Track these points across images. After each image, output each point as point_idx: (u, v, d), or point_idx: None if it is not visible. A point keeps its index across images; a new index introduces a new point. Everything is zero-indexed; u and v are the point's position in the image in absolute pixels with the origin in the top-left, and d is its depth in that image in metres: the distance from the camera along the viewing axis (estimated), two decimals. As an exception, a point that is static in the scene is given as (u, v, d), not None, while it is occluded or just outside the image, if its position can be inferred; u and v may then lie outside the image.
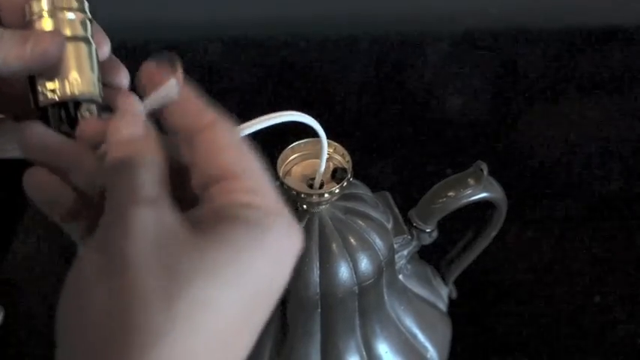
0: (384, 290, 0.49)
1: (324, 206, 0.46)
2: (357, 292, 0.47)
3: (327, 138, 0.43)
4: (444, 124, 0.84)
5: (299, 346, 0.48)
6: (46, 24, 0.33)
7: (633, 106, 0.85)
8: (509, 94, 0.87)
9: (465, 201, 0.50)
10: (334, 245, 0.46)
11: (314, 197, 0.45)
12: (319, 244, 0.46)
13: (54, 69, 0.33)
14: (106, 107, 0.34)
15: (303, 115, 0.37)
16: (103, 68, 0.35)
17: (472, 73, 0.89)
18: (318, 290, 0.46)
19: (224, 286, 0.25)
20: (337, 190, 0.45)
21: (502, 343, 0.65)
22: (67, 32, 0.33)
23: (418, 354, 0.52)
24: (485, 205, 0.52)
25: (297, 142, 0.47)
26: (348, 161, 0.46)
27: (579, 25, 0.95)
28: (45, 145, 0.31)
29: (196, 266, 0.25)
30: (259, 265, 0.27)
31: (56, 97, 0.33)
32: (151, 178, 0.27)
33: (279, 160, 0.46)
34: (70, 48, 0.33)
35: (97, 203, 0.29)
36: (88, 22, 0.34)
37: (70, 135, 0.33)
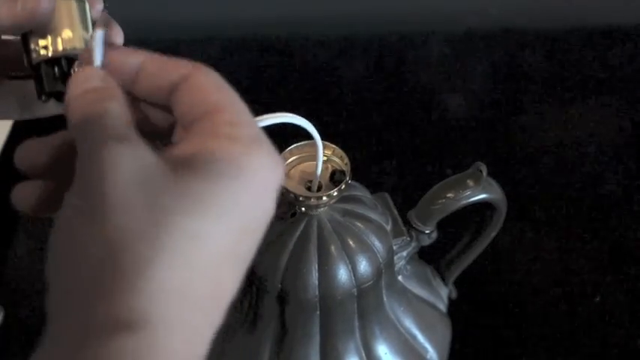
0: (383, 292, 0.49)
1: (322, 209, 0.46)
2: (356, 294, 0.47)
3: (326, 139, 0.43)
4: (443, 124, 0.84)
5: (298, 347, 0.48)
6: None
7: (633, 106, 0.85)
8: (509, 94, 0.87)
9: (464, 202, 0.50)
10: (333, 247, 0.46)
11: (312, 200, 0.45)
12: (318, 247, 0.46)
13: (46, 26, 0.33)
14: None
15: (296, 117, 0.37)
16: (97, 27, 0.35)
17: (472, 73, 0.89)
18: (317, 292, 0.46)
19: (207, 218, 0.25)
20: (335, 193, 0.45)
21: (502, 343, 0.65)
22: None
23: (418, 355, 0.52)
24: (484, 206, 0.52)
25: (295, 145, 0.47)
26: (346, 163, 0.46)
27: (579, 25, 0.95)
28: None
29: (179, 200, 0.25)
30: (242, 195, 0.26)
31: (48, 54, 0.33)
32: (117, 120, 0.27)
33: (278, 162, 0.46)
34: (62, 5, 0.34)
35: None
36: None
37: (61, 93, 0.32)
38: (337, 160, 0.46)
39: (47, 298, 0.25)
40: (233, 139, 0.27)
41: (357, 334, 0.49)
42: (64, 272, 0.25)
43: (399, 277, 0.52)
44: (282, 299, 0.47)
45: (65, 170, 0.28)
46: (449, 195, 0.50)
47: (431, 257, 0.57)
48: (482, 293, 0.67)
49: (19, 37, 0.34)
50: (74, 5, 0.34)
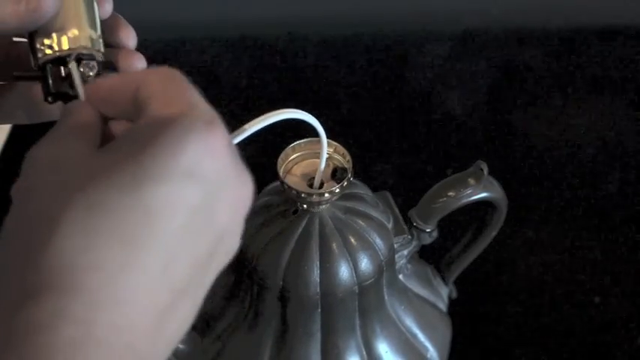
0: (384, 290, 0.49)
1: (324, 206, 0.46)
2: (357, 291, 0.47)
3: (327, 138, 0.43)
4: (444, 123, 0.84)
5: (299, 345, 0.48)
6: None
7: (633, 106, 0.85)
8: (510, 94, 0.87)
9: (465, 201, 0.50)
10: (334, 245, 0.46)
11: (314, 197, 0.45)
12: (319, 244, 0.46)
13: (51, 25, 0.33)
14: (111, 67, 0.34)
15: (303, 112, 0.37)
16: (108, 27, 0.35)
17: (472, 72, 0.89)
18: (318, 290, 0.46)
19: (114, 189, 0.25)
20: (337, 190, 0.45)
21: (502, 343, 0.65)
22: None
23: (418, 354, 0.52)
24: (485, 205, 0.52)
25: (297, 142, 0.47)
26: (348, 161, 0.46)
27: (579, 25, 0.95)
28: None
29: (90, 175, 0.26)
30: (157, 167, 0.26)
31: (53, 53, 0.33)
32: (58, 127, 0.29)
33: (280, 160, 0.46)
34: (69, 3, 0.33)
35: None
36: None
37: (68, 95, 0.32)
38: (339, 157, 0.46)
39: None
40: (145, 120, 0.28)
41: (358, 332, 0.49)
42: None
43: (400, 276, 0.52)
44: (283, 297, 0.47)
45: None
46: (450, 194, 0.50)
47: (431, 257, 0.57)
48: (482, 293, 0.67)
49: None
50: (82, 3, 0.33)
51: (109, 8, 0.35)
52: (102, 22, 0.35)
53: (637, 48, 0.92)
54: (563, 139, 0.82)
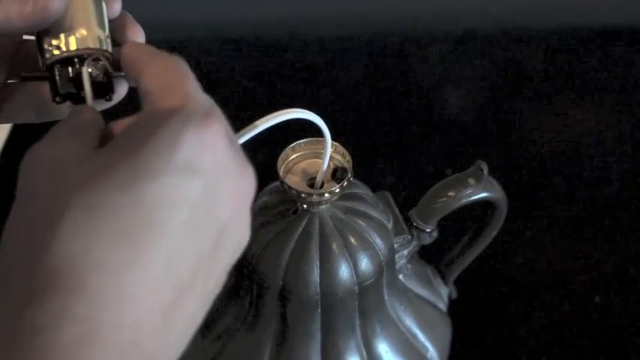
0: (385, 290, 0.49)
1: (324, 206, 0.46)
2: (357, 291, 0.47)
3: (327, 138, 0.43)
4: (444, 123, 0.84)
5: (299, 345, 0.48)
6: None
7: (633, 106, 0.85)
8: (509, 94, 0.87)
9: (465, 201, 0.50)
10: (334, 245, 0.46)
11: (314, 197, 0.45)
12: (319, 244, 0.46)
13: (59, 25, 0.32)
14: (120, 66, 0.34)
15: (307, 112, 0.37)
16: (117, 26, 0.34)
17: (472, 72, 0.89)
18: (318, 290, 0.46)
19: (114, 188, 0.25)
20: (337, 190, 0.45)
21: (502, 343, 0.65)
22: None
23: (418, 354, 0.52)
24: (485, 205, 0.52)
25: (297, 142, 0.47)
26: (348, 161, 0.46)
27: (579, 25, 0.95)
28: None
29: (90, 174, 0.26)
30: (154, 163, 0.26)
31: (61, 53, 0.32)
32: (57, 129, 0.29)
33: (280, 160, 0.46)
34: (78, 3, 0.33)
35: None
36: None
37: (77, 95, 0.32)
38: (339, 157, 0.46)
39: None
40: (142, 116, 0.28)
41: (358, 332, 0.49)
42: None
43: (400, 276, 0.52)
44: (283, 297, 0.47)
45: None
46: (450, 193, 0.50)
47: (431, 257, 0.57)
48: (482, 293, 0.67)
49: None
50: (90, 3, 0.33)
51: (117, 7, 0.35)
52: (111, 21, 0.34)
53: (637, 48, 0.92)
54: (563, 138, 0.82)
